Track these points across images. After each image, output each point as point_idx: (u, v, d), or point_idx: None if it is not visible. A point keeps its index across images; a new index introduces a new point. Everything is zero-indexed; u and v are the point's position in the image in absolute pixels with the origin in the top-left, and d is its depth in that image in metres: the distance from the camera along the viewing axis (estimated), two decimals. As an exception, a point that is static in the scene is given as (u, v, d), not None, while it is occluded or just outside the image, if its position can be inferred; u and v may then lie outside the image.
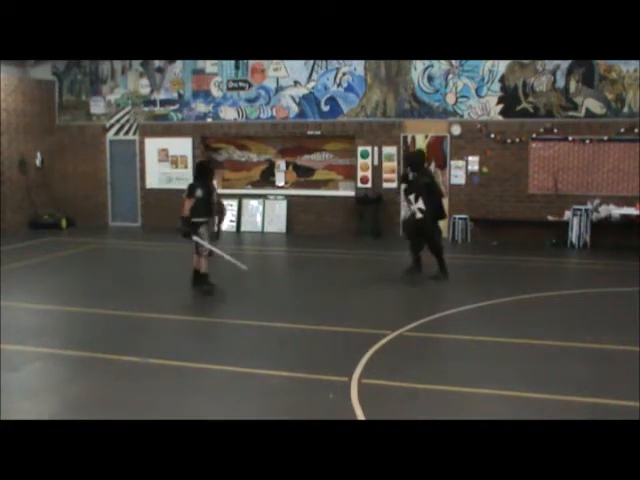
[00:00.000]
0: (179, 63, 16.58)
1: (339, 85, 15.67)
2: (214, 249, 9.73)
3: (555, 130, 14.46)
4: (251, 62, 16.09)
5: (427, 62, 15.03)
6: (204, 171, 9.88)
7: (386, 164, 15.51)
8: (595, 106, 14.28)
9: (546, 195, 14.70)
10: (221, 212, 10.02)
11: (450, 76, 14.98)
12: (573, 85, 14.39)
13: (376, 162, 15.60)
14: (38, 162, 17.13)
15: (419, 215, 10.68)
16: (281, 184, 16.63)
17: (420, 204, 10.60)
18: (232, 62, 16.19)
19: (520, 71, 14.63)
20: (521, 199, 14.87)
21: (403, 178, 11.33)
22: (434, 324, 8.22)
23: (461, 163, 15.13)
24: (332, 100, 15.73)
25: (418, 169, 10.86)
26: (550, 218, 14.57)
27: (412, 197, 10.71)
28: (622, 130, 14.10)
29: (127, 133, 17.24)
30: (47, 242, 14.82)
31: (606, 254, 13.21)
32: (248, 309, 8.99)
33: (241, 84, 16.30)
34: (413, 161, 11.21)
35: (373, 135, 15.57)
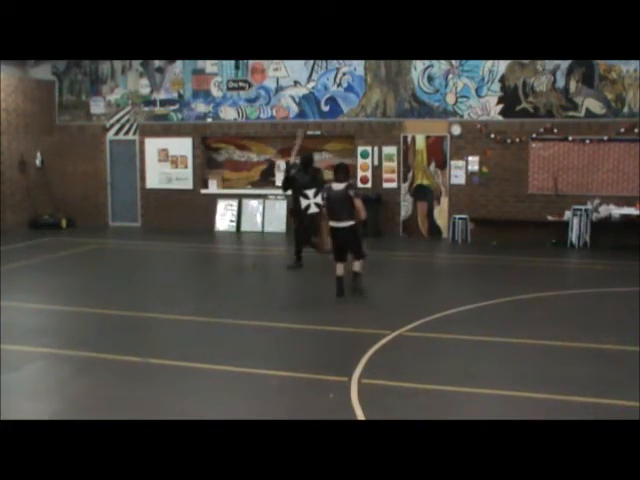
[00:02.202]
0: (179, 63, 16.58)
1: (339, 85, 15.66)
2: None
3: (555, 130, 14.46)
4: (251, 62, 16.09)
5: (427, 62, 15.02)
6: (345, 172, 9.83)
7: (386, 164, 15.50)
8: (595, 106, 14.28)
9: (546, 195, 14.70)
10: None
11: (450, 76, 14.97)
12: (573, 85, 14.39)
13: (376, 162, 15.61)
14: (38, 162, 17.13)
15: (315, 209, 11.54)
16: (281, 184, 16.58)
17: (319, 199, 11.36)
18: (232, 62, 16.18)
19: (520, 71, 14.63)
20: (521, 199, 14.86)
21: (286, 172, 12.25)
22: (434, 324, 8.21)
23: (461, 163, 15.12)
24: (332, 100, 15.73)
25: (308, 168, 11.91)
26: (550, 218, 14.57)
27: (311, 192, 11.57)
28: (622, 130, 14.09)
29: (127, 133, 17.23)
30: (47, 242, 14.82)
31: (606, 254, 13.21)
32: (248, 309, 8.99)
33: (241, 84, 16.30)
34: (305, 161, 12.12)
35: (373, 135, 15.56)
